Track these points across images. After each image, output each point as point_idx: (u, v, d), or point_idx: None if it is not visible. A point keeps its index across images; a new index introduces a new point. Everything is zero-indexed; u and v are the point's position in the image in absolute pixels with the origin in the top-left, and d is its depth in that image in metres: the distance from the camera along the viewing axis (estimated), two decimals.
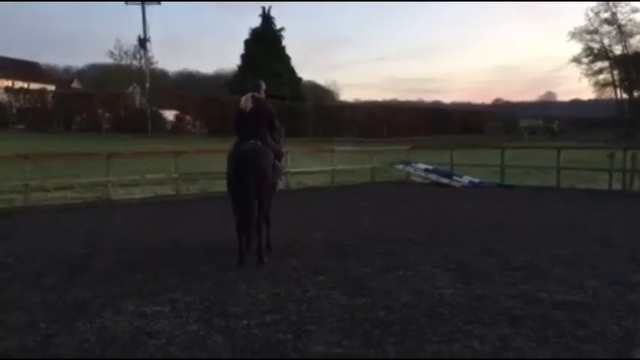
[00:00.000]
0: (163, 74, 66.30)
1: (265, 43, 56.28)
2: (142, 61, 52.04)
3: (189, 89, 57.17)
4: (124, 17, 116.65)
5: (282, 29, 58.99)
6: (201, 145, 27.77)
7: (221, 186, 14.74)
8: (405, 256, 6.65)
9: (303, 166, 17.23)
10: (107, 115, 42.85)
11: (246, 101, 6.75)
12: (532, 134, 49.66)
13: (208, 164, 16.52)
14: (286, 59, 58.33)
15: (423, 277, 5.66)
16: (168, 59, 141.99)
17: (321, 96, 66.29)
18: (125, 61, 62.44)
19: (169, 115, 46.45)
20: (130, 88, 51.39)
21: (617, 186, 14.46)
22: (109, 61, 64.36)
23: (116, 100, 45.11)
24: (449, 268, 5.99)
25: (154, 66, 56.37)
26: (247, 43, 57.91)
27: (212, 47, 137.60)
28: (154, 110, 44.93)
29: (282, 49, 58.35)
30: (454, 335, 4.00)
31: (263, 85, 7.12)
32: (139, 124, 42.10)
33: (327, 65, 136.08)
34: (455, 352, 3.71)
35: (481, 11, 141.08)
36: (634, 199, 13.11)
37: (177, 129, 44.77)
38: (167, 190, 13.92)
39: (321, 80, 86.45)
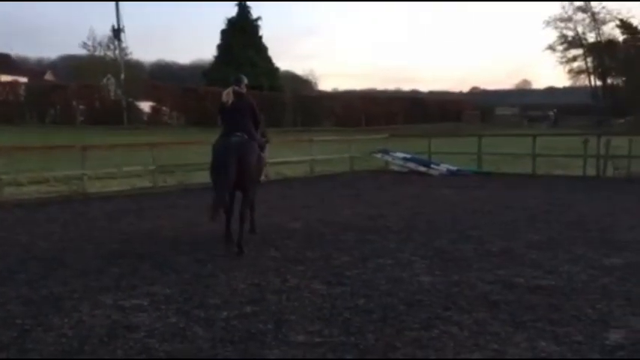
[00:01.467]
0: (139, 65, 65.35)
1: (242, 33, 55.90)
2: (117, 51, 51.37)
3: (165, 80, 56.50)
4: (97, 7, 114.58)
5: (258, 19, 58.70)
6: (179, 137, 27.55)
7: (199, 177, 14.73)
8: (384, 244, 6.69)
9: (281, 156, 17.18)
10: (81, 107, 42.20)
11: (227, 95, 6.78)
12: (531, 121, 50.09)
13: (186, 156, 16.41)
14: (263, 49, 58.00)
15: (402, 264, 5.71)
16: (144, 50, 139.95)
17: (299, 86, 66.07)
18: (99, 52, 61.50)
19: (145, 106, 45.97)
20: (105, 80, 50.67)
21: (591, 172, 14.72)
22: (82, 52, 63.35)
23: (90, 91, 44.48)
24: (427, 256, 6.05)
25: (129, 57, 55.65)
26: (224, 33, 57.44)
27: (188, 37, 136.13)
28: (129, 102, 44.39)
29: (258, 39, 58.01)
30: (433, 321, 4.04)
31: (245, 80, 7.18)
32: (114, 115, 41.61)
33: (304, 55, 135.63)
34: (434, 337, 3.75)
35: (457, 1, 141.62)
36: (607, 184, 13.35)
37: (154, 120, 44.33)
38: (144, 183, 13.77)
39: (299, 70, 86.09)
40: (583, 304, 4.36)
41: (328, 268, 5.60)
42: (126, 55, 52.32)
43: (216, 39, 58.56)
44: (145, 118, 45.26)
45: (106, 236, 7.57)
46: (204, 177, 14.63)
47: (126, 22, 61.00)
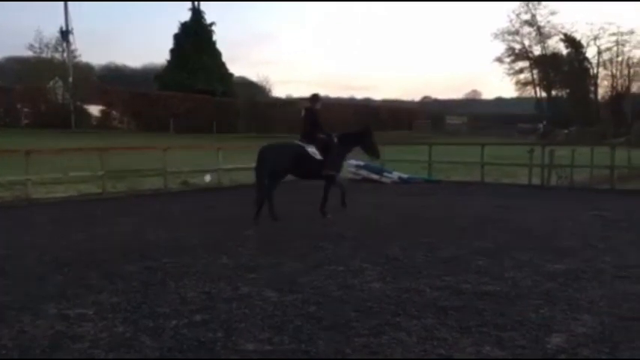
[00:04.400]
0: (88, 68, 63.53)
1: (195, 38, 55.17)
2: (65, 54, 49.78)
3: (116, 84, 55.11)
4: (44, 8, 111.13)
5: (212, 24, 58.00)
6: (130, 142, 26.92)
7: (150, 183, 14.47)
8: (336, 251, 6.73)
9: (235, 162, 17.06)
10: (26, 110, 40.77)
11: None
12: (520, 133, 51.13)
13: (137, 161, 16.08)
14: (217, 54, 57.39)
15: (354, 271, 5.75)
16: (94, 52, 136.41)
17: (254, 92, 65.70)
18: (46, 54, 59.49)
19: (95, 110, 44.81)
20: (52, 83, 49.03)
21: (536, 180, 15.22)
22: (28, 54, 61.10)
23: (37, 94, 42.98)
24: (378, 263, 6.12)
25: (78, 59, 54.00)
26: (177, 37, 56.55)
27: (140, 40, 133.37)
28: (77, 105, 43.17)
29: (212, 44, 57.36)
30: (382, 328, 4.09)
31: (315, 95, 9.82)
32: (61, 119, 40.40)
33: (259, 61, 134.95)
34: (383, 344, 3.80)
35: (409, 11, 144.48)
36: (551, 192, 13.84)
37: (104, 125, 43.27)
38: (92, 189, 13.41)
39: (254, 76, 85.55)
40: (527, 309, 4.50)
41: (280, 276, 5.59)
42: (75, 57, 50.77)
43: (169, 43, 57.68)
44: (94, 122, 44.10)
45: (51, 243, 7.33)
46: (154, 183, 14.45)
47: (75, 24, 59.32)
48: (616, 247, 6.97)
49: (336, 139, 9.51)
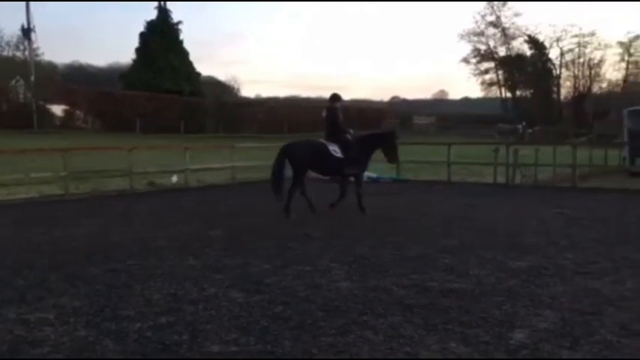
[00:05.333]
0: (51, 66, 62.16)
1: (162, 37, 54.41)
2: (27, 52, 48.58)
3: (80, 83, 54.00)
4: (5, 5, 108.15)
5: (179, 22, 57.33)
6: (94, 142, 26.40)
7: (115, 184, 14.22)
8: (304, 251, 6.72)
9: (202, 162, 16.92)
10: None
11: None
12: (500, 134, 51.60)
13: (101, 162, 15.80)
14: (184, 53, 56.74)
15: (321, 271, 5.75)
16: (57, 51, 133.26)
17: (222, 92, 65.19)
18: (7, 53, 57.95)
19: (58, 109, 43.84)
20: (13, 82, 47.78)
21: (501, 179, 15.48)
22: None
23: None
24: (346, 262, 6.13)
25: (40, 58, 52.85)
26: (143, 36, 55.70)
27: (105, 39, 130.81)
28: (40, 104, 42.16)
29: (179, 43, 56.68)
30: (349, 327, 4.10)
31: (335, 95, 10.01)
32: (23, 119, 39.38)
33: (227, 61, 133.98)
34: (350, 343, 3.80)
35: (379, 11, 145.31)
36: (516, 191, 14.10)
37: (67, 125, 42.36)
38: (55, 190, 13.12)
39: (222, 76, 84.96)
40: (491, 306, 4.57)
41: (247, 276, 5.55)
42: (37, 55, 49.67)
43: (134, 42, 56.80)
44: (58, 122, 43.12)
45: (11, 246, 7.14)
46: (119, 184, 14.21)
47: (37, 22, 58.04)
48: (577, 243, 7.14)
49: (351, 138, 9.81)
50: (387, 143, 10.09)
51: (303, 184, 9.83)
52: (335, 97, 10.08)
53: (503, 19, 66.22)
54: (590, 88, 64.10)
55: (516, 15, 65.85)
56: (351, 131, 10.04)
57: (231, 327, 4.11)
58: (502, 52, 68.51)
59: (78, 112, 44.26)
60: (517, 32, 66.67)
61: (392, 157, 10.27)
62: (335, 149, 9.57)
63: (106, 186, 14.16)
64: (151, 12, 57.77)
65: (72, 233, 8.08)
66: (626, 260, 6.18)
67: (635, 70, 63.26)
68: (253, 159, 18.60)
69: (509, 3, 65.67)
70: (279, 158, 9.65)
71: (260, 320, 4.25)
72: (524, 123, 53.48)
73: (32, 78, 43.61)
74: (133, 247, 6.98)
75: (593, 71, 63.99)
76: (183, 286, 5.19)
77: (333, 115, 9.86)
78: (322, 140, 9.75)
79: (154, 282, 5.35)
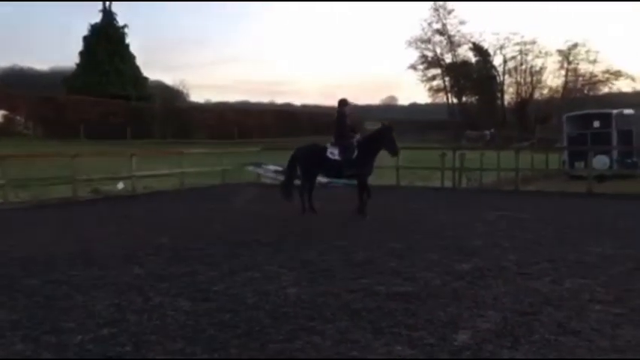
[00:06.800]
0: None
1: (107, 40, 53.12)
2: None
3: (20, 87, 52.02)
4: None
5: (125, 26, 56.09)
6: (35, 149, 25.47)
7: (58, 192, 13.75)
8: (252, 257, 6.68)
9: (149, 169, 16.57)
10: None
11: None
12: (468, 140, 52.21)
13: (43, 169, 15.27)
14: (130, 57, 55.55)
15: (269, 277, 5.73)
16: None
17: (170, 96, 64.04)
18: None
19: None
20: None
21: (448, 183, 15.83)
22: None
23: None
24: (294, 267, 6.13)
25: None
26: (87, 39, 54.21)
27: (47, 42, 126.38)
28: None
29: (125, 47, 55.46)
30: (297, 333, 4.09)
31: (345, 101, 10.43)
32: None
33: (176, 65, 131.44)
34: (297, 349, 3.80)
35: (331, 15, 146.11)
36: (462, 194, 14.45)
37: (7, 131, 40.73)
38: None
39: (169, 80, 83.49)
40: (436, 308, 4.65)
41: (194, 284, 5.47)
42: None
43: (78, 45, 55.19)
44: None
45: None
46: (62, 191, 13.75)
47: None
48: (519, 245, 7.37)
49: (355, 141, 10.13)
50: (386, 138, 10.21)
51: (311, 186, 10.55)
52: (343, 102, 10.47)
53: (449, 27, 67.76)
54: (532, 95, 66.28)
55: (461, 23, 67.35)
56: (358, 135, 10.37)
57: (176, 337, 4.04)
58: (448, 58, 70.06)
59: (18, 117, 42.65)
60: (462, 40, 68.31)
61: (392, 149, 10.39)
62: (333, 152, 10.02)
63: (47, 194, 13.67)
64: (95, 15, 56.05)
65: (10, 243, 7.76)
66: (564, 261, 6.42)
67: (574, 77, 65.85)
68: (203, 165, 18.40)
69: (455, 11, 67.10)
70: (291, 162, 10.58)
71: (207, 329, 4.19)
72: (492, 130, 54.71)
73: None
74: (76, 257, 6.76)
75: (534, 78, 66.18)
76: (127, 296, 5.06)
77: (341, 119, 10.25)
78: (327, 144, 10.32)
79: (96, 292, 5.20)
